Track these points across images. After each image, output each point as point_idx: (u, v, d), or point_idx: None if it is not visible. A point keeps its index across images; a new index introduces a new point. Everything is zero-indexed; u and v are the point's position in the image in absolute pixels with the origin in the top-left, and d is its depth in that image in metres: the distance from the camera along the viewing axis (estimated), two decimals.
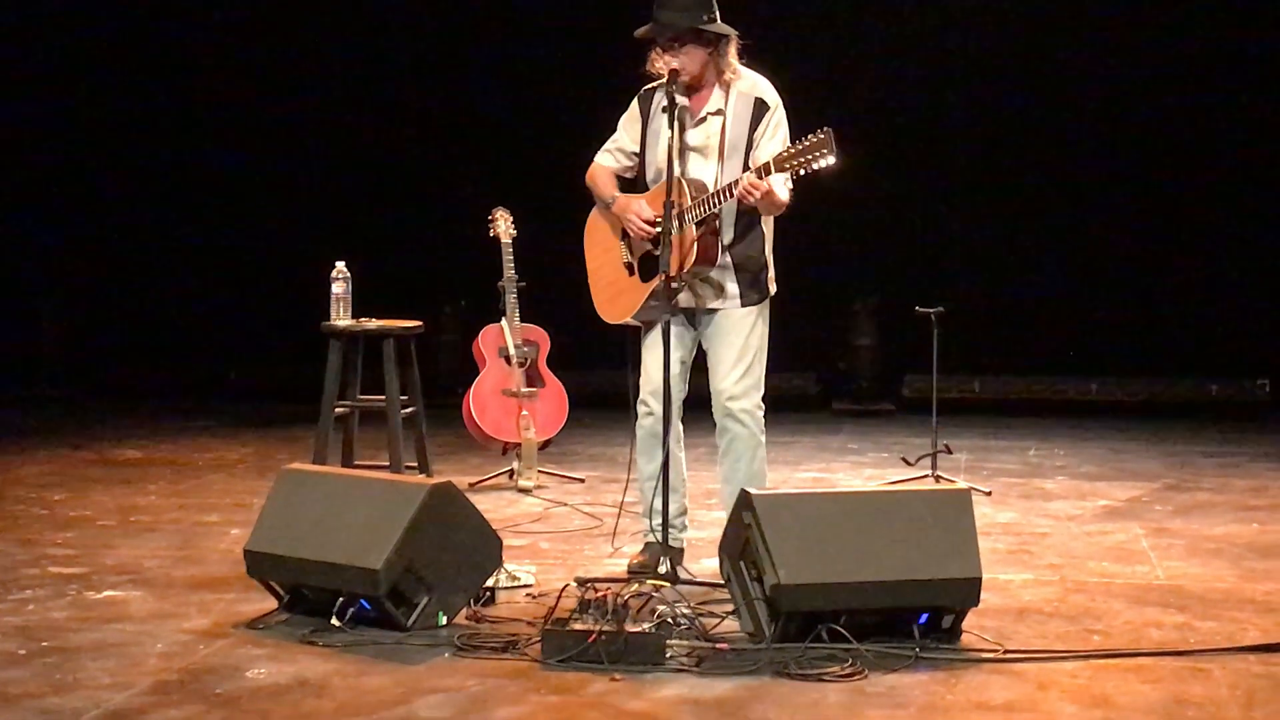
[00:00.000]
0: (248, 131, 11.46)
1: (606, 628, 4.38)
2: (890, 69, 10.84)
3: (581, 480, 7.62)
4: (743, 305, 5.43)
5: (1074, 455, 8.64)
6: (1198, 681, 4.31)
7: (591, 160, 5.67)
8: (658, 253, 5.24)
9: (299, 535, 4.87)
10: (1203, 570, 5.72)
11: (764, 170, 5.10)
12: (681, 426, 5.54)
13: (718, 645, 4.51)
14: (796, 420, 9.74)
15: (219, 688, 4.23)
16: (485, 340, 7.53)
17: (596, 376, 9.18)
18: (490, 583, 5.06)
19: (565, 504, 7.06)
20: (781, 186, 5.19)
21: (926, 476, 7.46)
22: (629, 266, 5.53)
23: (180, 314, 11.63)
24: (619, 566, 5.60)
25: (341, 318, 6.89)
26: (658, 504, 5.27)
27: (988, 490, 7.32)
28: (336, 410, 6.92)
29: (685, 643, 4.52)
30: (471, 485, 7.35)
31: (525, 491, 7.33)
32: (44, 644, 4.64)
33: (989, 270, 10.90)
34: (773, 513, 4.58)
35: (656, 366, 5.34)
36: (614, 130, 5.66)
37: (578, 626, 4.42)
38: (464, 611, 4.87)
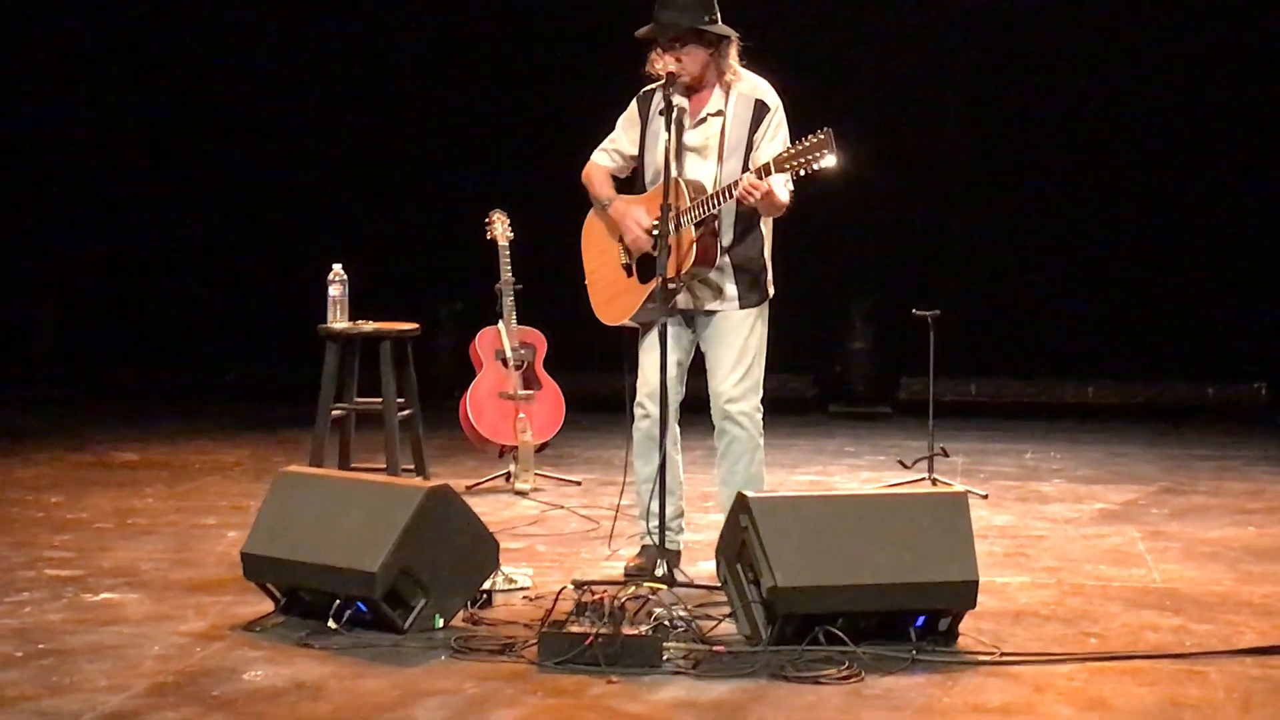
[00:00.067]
0: (245, 133, 11.45)
1: (603, 630, 4.38)
2: (888, 71, 10.84)
3: (578, 483, 7.61)
4: (741, 307, 5.43)
5: (1070, 458, 8.64)
6: (1194, 684, 4.31)
7: (588, 159, 5.68)
8: (656, 254, 5.24)
9: (296, 538, 4.87)
10: (1199, 573, 5.72)
11: (764, 171, 5.10)
12: (678, 429, 5.54)
13: (714, 648, 4.51)
14: (793, 423, 9.74)
15: (215, 690, 4.23)
16: (482, 343, 7.53)
17: (593, 379, 9.18)
18: (487, 585, 5.06)
19: (562, 506, 7.05)
20: (782, 187, 5.19)
21: (923, 479, 7.47)
22: (627, 268, 5.52)
23: (177, 316, 11.62)
24: (616, 569, 5.60)
25: (338, 320, 6.89)
26: (654, 506, 5.27)
27: (984, 493, 7.33)
28: (333, 412, 6.92)
29: (682, 645, 4.52)
30: (468, 488, 7.35)
31: (522, 494, 7.33)
32: (40, 646, 4.64)
33: (986, 273, 10.91)
34: (769, 515, 4.58)
35: (654, 368, 5.35)
36: (612, 131, 5.66)
37: (574, 629, 4.42)
38: (461, 614, 4.87)
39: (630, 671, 4.32)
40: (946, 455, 7.67)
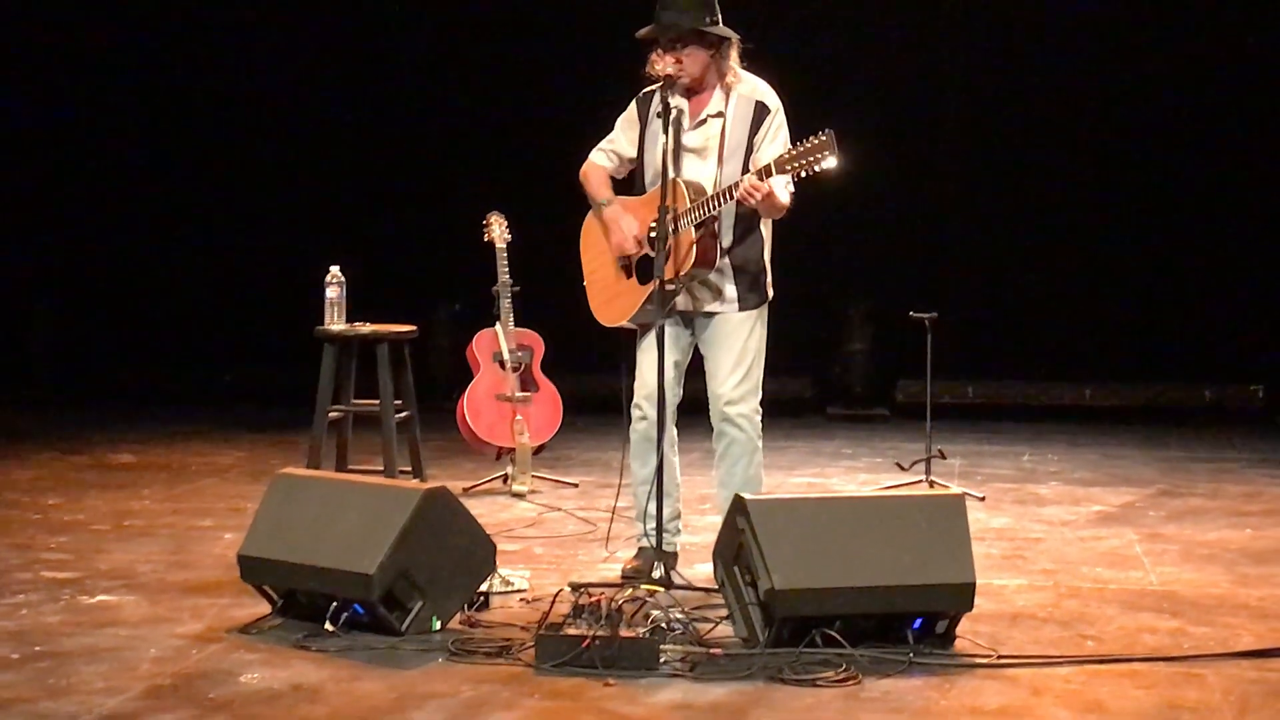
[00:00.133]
0: (243, 135, 11.46)
1: (600, 633, 4.38)
2: (886, 73, 10.84)
3: (575, 485, 7.61)
4: (741, 309, 5.42)
5: (1068, 460, 8.64)
6: (1191, 687, 4.31)
7: (585, 157, 5.67)
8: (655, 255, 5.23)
9: (293, 540, 4.87)
10: (1196, 576, 5.72)
11: (765, 172, 5.10)
12: (675, 430, 5.54)
13: (712, 650, 4.51)
14: (791, 425, 9.74)
15: (212, 693, 4.22)
16: (479, 345, 7.53)
17: (591, 381, 9.17)
18: (484, 587, 5.06)
19: (559, 509, 7.05)
20: (782, 189, 5.19)
21: (921, 482, 7.47)
22: (626, 269, 5.52)
23: (175, 318, 11.62)
24: (613, 571, 5.60)
25: (336, 322, 6.88)
26: (651, 508, 5.27)
27: (981, 495, 7.33)
28: (330, 415, 6.92)
29: (679, 648, 4.51)
30: (465, 490, 7.35)
31: (519, 496, 7.33)
32: (37, 648, 4.63)
33: (983, 276, 10.92)
34: (767, 518, 4.58)
35: (651, 370, 5.34)
36: (611, 131, 5.65)
37: (572, 631, 4.42)
38: (458, 616, 4.87)
39: (627, 674, 4.32)
40: (944, 457, 7.67)
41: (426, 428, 7.41)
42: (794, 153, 5.05)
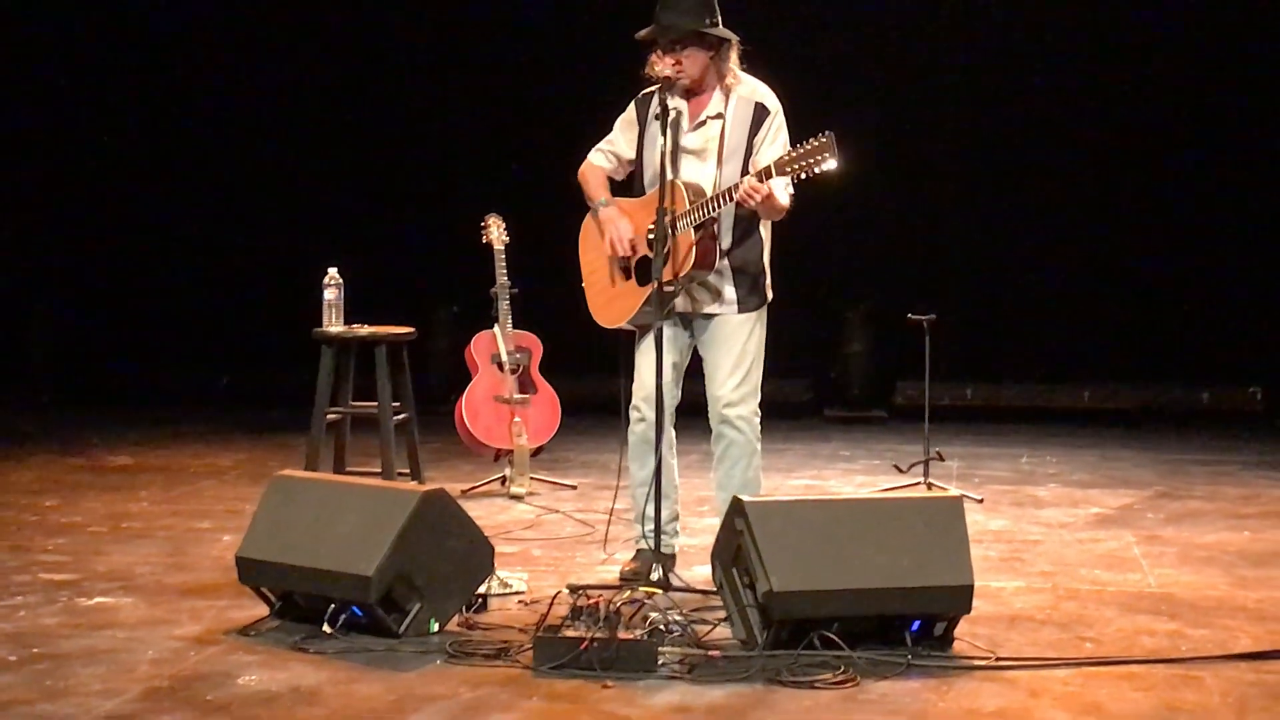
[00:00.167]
0: (241, 136, 11.46)
1: (598, 635, 4.38)
2: (884, 75, 10.85)
3: (573, 487, 7.62)
4: (740, 311, 5.42)
5: (1066, 463, 8.64)
6: (1189, 689, 4.31)
7: (584, 157, 5.67)
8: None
9: (291, 542, 4.86)
10: (1194, 578, 5.72)
11: (765, 174, 5.10)
12: (674, 432, 5.53)
13: (710, 652, 4.50)
14: (788, 427, 9.74)
15: (210, 695, 4.22)
16: (478, 347, 7.53)
17: (589, 383, 9.17)
18: (482, 590, 5.06)
19: (557, 511, 7.05)
20: (782, 191, 5.19)
21: (919, 484, 7.47)
22: (625, 270, 5.51)
23: (173, 319, 11.61)
24: (611, 573, 5.60)
25: (334, 324, 6.88)
26: (649, 510, 5.27)
27: (980, 498, 7.33)
28: (328, 417, 6.91)
29: (677, 650, 4.51)
30: (463, 492, 7.35)
31: (517, 498, 7.32)
32: (35, 650, 4.63)
33: (981, 278, 10.92)
34: (765, 520, 4.58)
35: (650, 372, 5.34)
36: (609, 132, 5.65)
37: (570, 633, 4.42)
38: (456, 618, 4.87)
39: (626, 676, 4.32)
40: (942, 459, 7.67)
41: (425, 430, 7.41)
42: (794, 154, 5.05)
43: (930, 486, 7.37)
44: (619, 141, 5.61)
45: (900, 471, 7.80)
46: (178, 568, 5.80)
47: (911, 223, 10.95)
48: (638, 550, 5.56)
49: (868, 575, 4.56)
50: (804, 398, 11.01)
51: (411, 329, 7.11)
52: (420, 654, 4.57)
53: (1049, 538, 6.50)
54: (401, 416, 7.02)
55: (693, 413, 5.65)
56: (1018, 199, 10.84)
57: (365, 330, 6.91)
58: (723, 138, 5.37)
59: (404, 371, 7.05)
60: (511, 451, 7.43)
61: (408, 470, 7.10)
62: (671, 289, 5.26)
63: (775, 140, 5.35)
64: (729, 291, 5.41)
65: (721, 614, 4.83)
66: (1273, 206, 10.50)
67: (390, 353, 6.92)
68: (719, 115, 5.39)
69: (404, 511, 4.72)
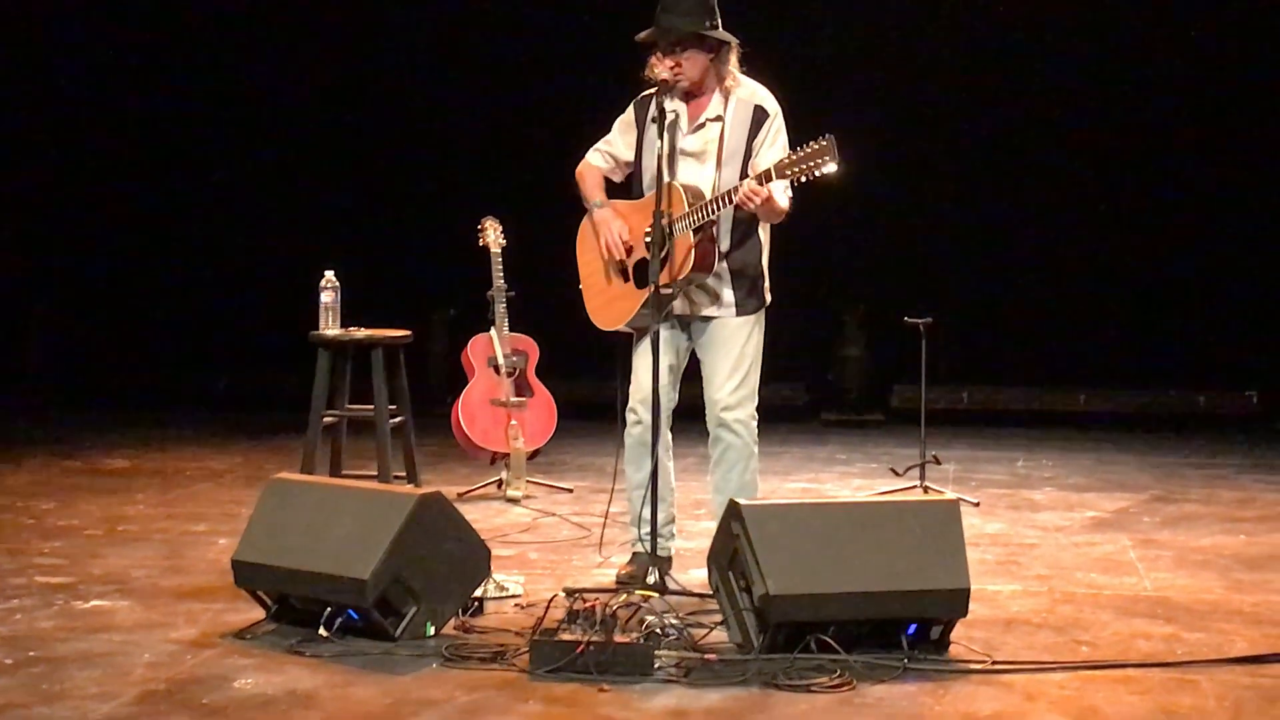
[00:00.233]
0: (237, 139, 11.46)
1: (595, 638, 4.38)
2: (879, 79, 10.85)
3: (570, 490, 7.62)
4: (739, 314, 5.42)
5: (1062, 466, 8.65)
6: (1185, 693, 4.31)
7: (582, 158, 5.67)
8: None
9: (287, 545, 4.86)
10: (1190, 581, 5.72)
11: (765, 177, 5.09)
12: (670, 435, 5.53)
13: (706, 656, 4.51)
14: (785, 430, 9.74)
15: (206, 698, 4.22)
16: (474, 350, 7.53)
17: (585, 386, 9.18)
18: (478, 593, 5.05)
19: (554, 514, 7.05)
20: (781, 194, 5.19)
21: (915, 487, 7.47)
22: (623, 273, 5.51)
23: (169, 322, 11.61)
24: (607, 576, 5.60)
25: (330, 327, 6.88)
26: (646, 513, 5.26)
27: (976, 501, 7.33)
28: (325, 420, 6.91)
29: (674, 653, 4.51)
30: (460, 495, 7.35)
31: (514, 501, 7.32)
32: (31, 654, 4.63)
33: (978, 281, 10.92)
34: (761, 523, 4.58)
35: (647, 374, 5.32)
36: (608, 133, 5.65)
37: (566, 637, 4.42)
38: (452, 622, 4.86)
39: (622, 680, 4.31)
40: (938, 463, 7.68)
41: (421, 433, 7.41)
42: (794, 158, 5.05)
43: (927, 490, 7.37)
44: (617, 143, 5.61)
45: (897, 475, 7.80)
46: (174, 571, 5.79)
47: (908, 226, 10.95)
48: (634, 553, 5.56)
49: (864, 579, 4.56)
50: (801, 401, 11.01)
51: (408, 332, 7.11)
52: (416, 657, 4.56)
53: (1045, 541, 6.50)
54: (398, 420, 7.02)
55: (689, 416, 5.65)
56: (1014, 202, 10.85)
57: (362, 333, 6.91)
58: (722, 140, 5.37)
59: (400, 374, 7.05)
60: (508, 455, 7.43)
61: (404, 473, 7.11)
62: (669, 291, 5.26)
63: (774, 143, 5.35)
64: (727, 294, 5.41)
65: (718, 617, 4.83)
66: (1269, 210, 10.51)
67: (387, 356, 6.92)
68: (718, 118, 5.39)
69: (400, 515, 4.72)
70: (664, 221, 5.18)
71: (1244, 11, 10.39)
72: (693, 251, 5.25)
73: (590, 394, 9.12)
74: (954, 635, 4.70)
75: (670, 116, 5.32)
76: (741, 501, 4.69)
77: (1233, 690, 4.33)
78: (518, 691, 4.26)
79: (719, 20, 5.34)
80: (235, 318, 11.37)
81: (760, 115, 5.36)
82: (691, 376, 5.56)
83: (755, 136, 5.35)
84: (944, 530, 4.71)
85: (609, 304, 5.55)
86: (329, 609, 4.73)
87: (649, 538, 5.24)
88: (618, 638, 4.42)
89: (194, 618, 5.07)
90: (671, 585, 5.25)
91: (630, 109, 5.57)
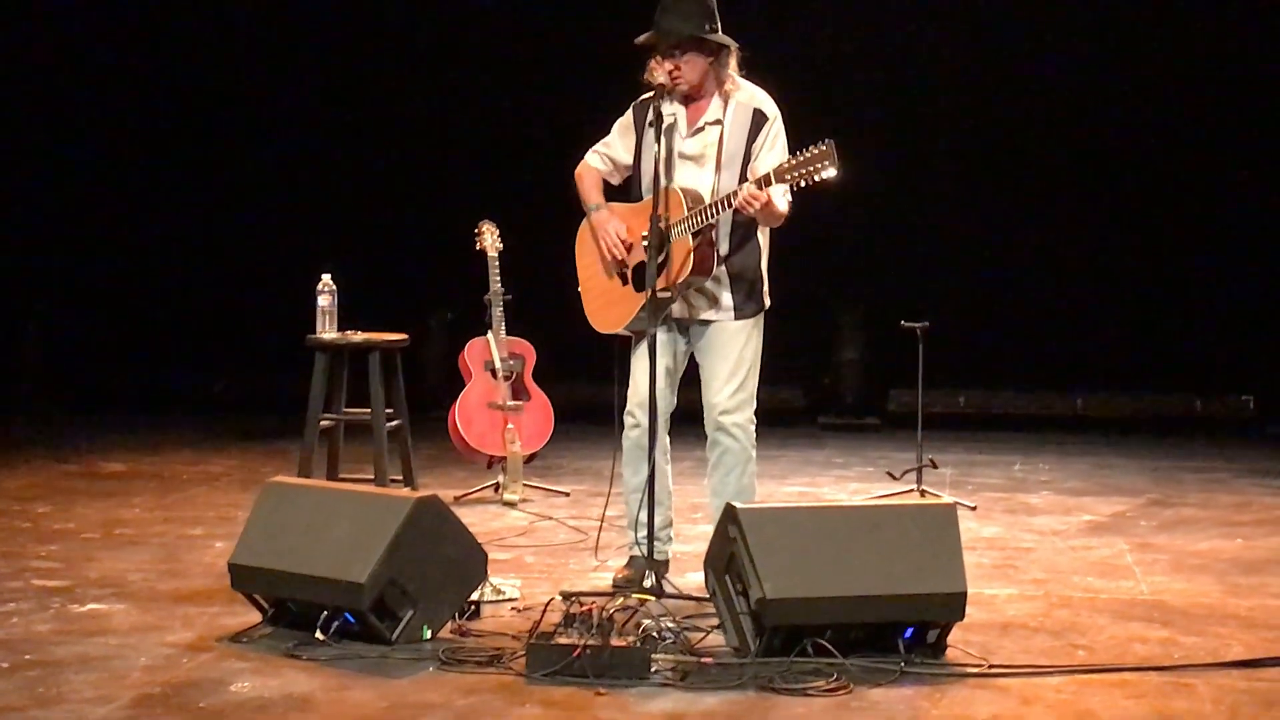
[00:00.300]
0: (234, 142, 11.45)
1: (591, 642, 4.38)
2: (875, 82, 10.86)
3: (567, 494, 7.61)
4: (737, 318, 5.42)
5: (1059, 470, 8.65)
6: (1182, 697, 4.31)
7: (581, 159, 5.67)
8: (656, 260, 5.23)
9: (283, 548, 4.86)
10: (1187, 585, 5.73)
11: (764, 181, 5.10)
12: (668, 439, 5.53)
13: (703, 659, 4.51)
14: (782, 434, 9.73)
15: (202, 701, 4.22)
16: (471, 353, 7.53)
17: (582, 390, 9.17)
18: (475, 596, 5.05)
19: (551, 517, 7.05)
20: (781, 198, 5.19)
21: (912, 491, 7.47)
22: (622, 276, 5.51)
23: (166, 325, 11.60)
24: (604, 580, 5.60)
25: (327, 330, 6.88)
26: (643, 517, 5.26)
27: (973, 505, 7.33)
28: (322, 423, 6.91)
29: (670, 657, 4.51)
30: (457, 499, 7.34)
31: (510, 505, 7.32)
32: (27, 657, 4.62)
33: (975, 285, 10.91)
34: (758, 527, 4.58)
35: (645, 377, 5.33)
36: (606, 135, 5.65)
37: (562, 640, 4.42)
38: (449, 625, 4.86)
39: (618, 683, 4.31)
40: (935, 467, 7.68)
41: (418, 436, 7.41)
42: (794, 162, 5.04)
43: (923, 494, 7.37)
44: (616, 146, 5.61)
45: (893, 478, 7.81)
46: (170, 574, 5.79)
47: (906, 230, 10.95)
48: (631, 557, 5.56)
49: (861, 582, 4.57)
50: (798, 405, 11.01)
51: (405, 335, 7.12)
52: (413, 661, 4.56)
53: (1042, 545, 6.50)
54: (395, 423, 7.02)
55: (686, 419, 5.65)
56: (1012, 206, 10.84)
57: (359, 337, 6.91)
58: (721, 144, 5.37)
59: (397, 378, 7.05)
60: (505, 458, 7.43)
61: (401, 477, 7.11)
62: (667, 295, 5.26)
63: (774, 146, 5.35)
64: (726, 298, 5.41)
65: (714, 621, 4.83)
66: (1266, 215, 10.51)
67: (384, 359, 6.92)
68: (717, 121, 5.39)
69: (397, 518, 4.72)
70: (661, 225, 5.18)
71: (1243, 13, 10.40)
72: (691, 255, 5.25)
73: (587, 397, 9.10)
74: (950, 639, 4.70)
75: (669, 120, 5.33)
76: (738, 505, 4.69)
77: (1229, 694, 4.33)
78: (514, 695, 4.26)
79: (718, 24, 5.34)
80: (232, 321, 11.36)
81: (759, 119, 5.36)
82: (690, 380, 5.56)
83: (754, 140, 5.35)
84: (941, 534, 4.71)
85: (608, 307, 5.55)
86: (325, 612, 4.73)
87: (646, 541, 5.24)
88: (614, 641, 4.42)
89: (190, 621, 5.06)
90: (668, 589, 5.25)
91: (629, 112, 5.57)
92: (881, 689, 4.33)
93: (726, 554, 4.67)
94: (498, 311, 7.47)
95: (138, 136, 11.63)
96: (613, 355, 5.66)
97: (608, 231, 5.46)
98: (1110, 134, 10.68)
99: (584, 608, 4.55)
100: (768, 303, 5.50)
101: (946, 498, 7.09)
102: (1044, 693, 4.35)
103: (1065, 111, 10.76)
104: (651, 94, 5.39)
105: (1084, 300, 10.85)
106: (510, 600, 5.27)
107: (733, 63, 5.39)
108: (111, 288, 11.67)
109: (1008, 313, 10.87)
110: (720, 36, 5.34)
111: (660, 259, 5.23)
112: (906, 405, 9.62)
